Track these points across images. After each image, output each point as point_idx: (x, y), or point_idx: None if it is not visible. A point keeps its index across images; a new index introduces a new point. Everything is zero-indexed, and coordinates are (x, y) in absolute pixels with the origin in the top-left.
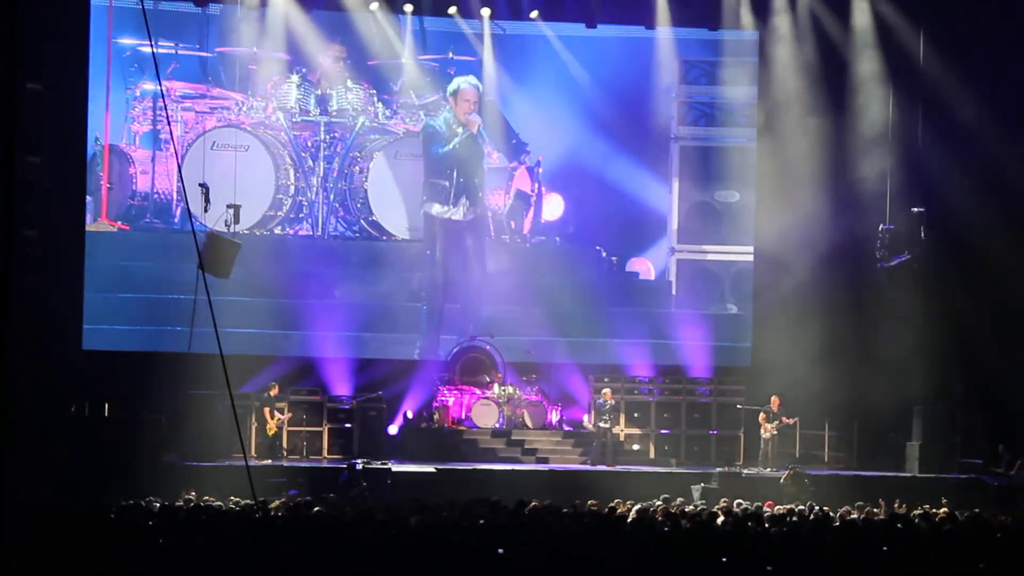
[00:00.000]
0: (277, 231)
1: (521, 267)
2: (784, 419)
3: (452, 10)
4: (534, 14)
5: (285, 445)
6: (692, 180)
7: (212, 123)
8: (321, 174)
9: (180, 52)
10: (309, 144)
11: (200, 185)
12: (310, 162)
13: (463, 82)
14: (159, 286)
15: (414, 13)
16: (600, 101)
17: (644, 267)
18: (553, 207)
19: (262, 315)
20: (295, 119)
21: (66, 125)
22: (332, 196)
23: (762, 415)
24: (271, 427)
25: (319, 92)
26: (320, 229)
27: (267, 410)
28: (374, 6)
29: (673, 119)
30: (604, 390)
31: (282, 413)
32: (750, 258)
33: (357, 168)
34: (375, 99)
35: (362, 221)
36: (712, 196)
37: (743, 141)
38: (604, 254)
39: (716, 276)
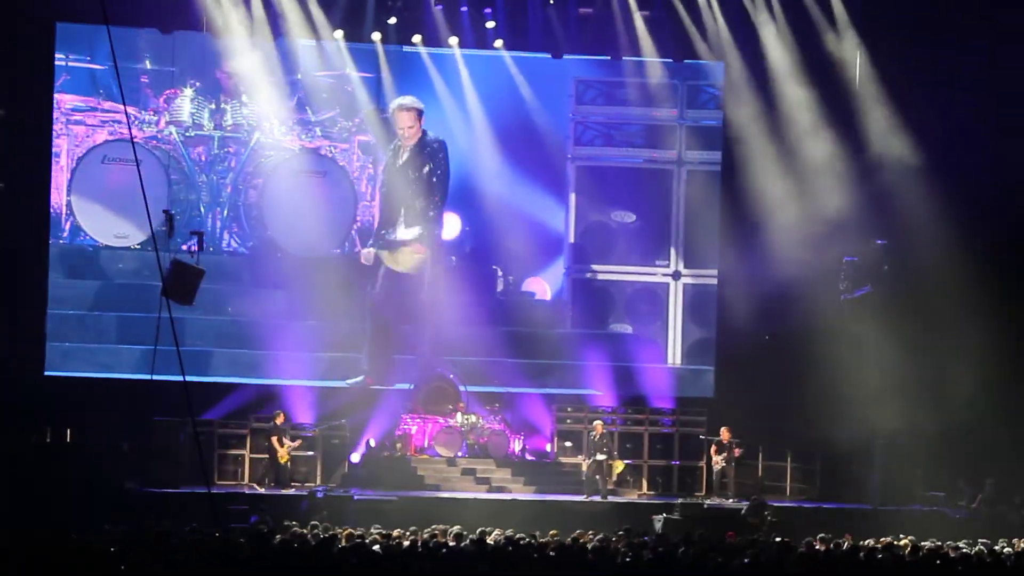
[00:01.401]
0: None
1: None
2: (735, 450)
3: (417, 38)
4: (498, 43)
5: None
6: (589, 200)
7: (103, 136)
8: (215, 189)
9: (71, 64)
10: (203, 159)
11: (164, 212)
12: (203, 177)
13: (395, 104)
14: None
15: (383, 42)
16: (498, 121)
17: (540, 287)
18: (450, 227)
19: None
20: (188, 133)
21: (29, 148)
22: (226, 212)
23: (713, 446)
24: (282, 455)
25: (213, 107)
26: (214, 245)
27: (275, 438)
28: (338, 34)
29: (569, 139)
30: (596, 422)
31: (292, 440)
32: (648, 279)
33: (252, 184)
34: (271, 115)
35: (257, 238)
36: (609, 216)
37: (639, 162)
38: (500, 273)
39: (611, 297)
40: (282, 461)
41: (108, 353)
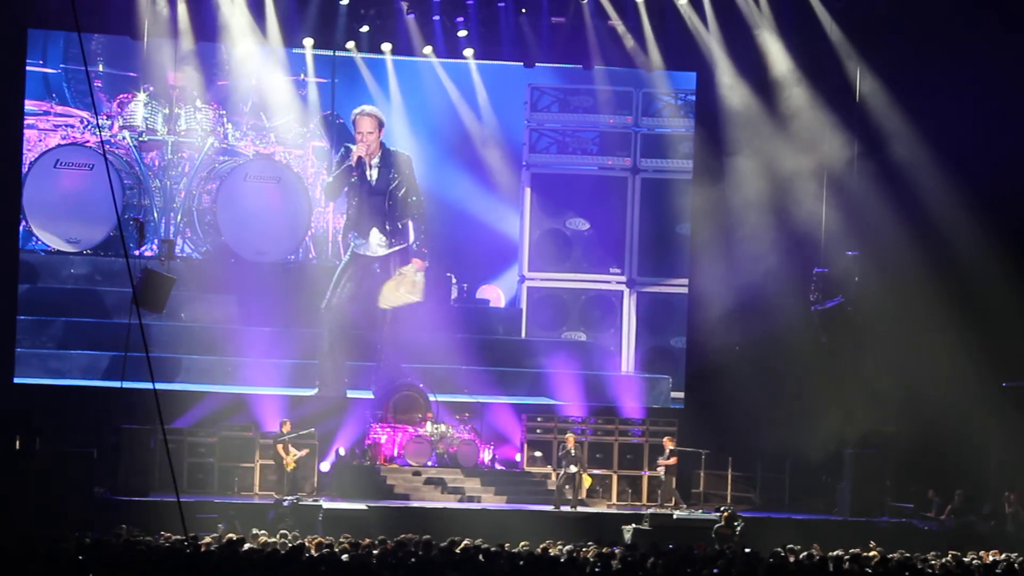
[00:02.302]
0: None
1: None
2: (671, 459)
3: (386, 47)
4: (468, 52)
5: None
6: (543, 207)
7: (55, 141)
8: (168, 195)
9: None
10: (156, 164)
11: (134, 219)
12: (157, 182)
13: (358, 110)
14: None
15: (356, 50)
16: (453, 127)
17: (494, 294)
18: None
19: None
20: (142, 138)
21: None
22: (180, 217)
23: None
24: (288, 463)
25: (167, 111)
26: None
27: (280, 447)
28: (308, 42)
29: (524, 146)
30: (567, 434)
31: (299, 450)
32: (602, 287)
33: (205, 189)
34: (225, 120)
35: (211, 243)
36: (563, 224)
37: (594, 169)
38: (455, 280)
39: (565, 304)
40: (288, 469)
41: (58, 359)
